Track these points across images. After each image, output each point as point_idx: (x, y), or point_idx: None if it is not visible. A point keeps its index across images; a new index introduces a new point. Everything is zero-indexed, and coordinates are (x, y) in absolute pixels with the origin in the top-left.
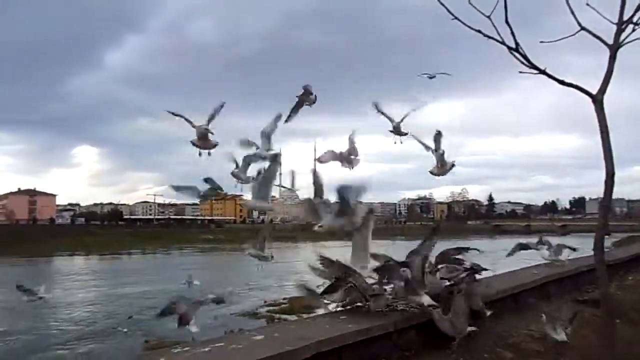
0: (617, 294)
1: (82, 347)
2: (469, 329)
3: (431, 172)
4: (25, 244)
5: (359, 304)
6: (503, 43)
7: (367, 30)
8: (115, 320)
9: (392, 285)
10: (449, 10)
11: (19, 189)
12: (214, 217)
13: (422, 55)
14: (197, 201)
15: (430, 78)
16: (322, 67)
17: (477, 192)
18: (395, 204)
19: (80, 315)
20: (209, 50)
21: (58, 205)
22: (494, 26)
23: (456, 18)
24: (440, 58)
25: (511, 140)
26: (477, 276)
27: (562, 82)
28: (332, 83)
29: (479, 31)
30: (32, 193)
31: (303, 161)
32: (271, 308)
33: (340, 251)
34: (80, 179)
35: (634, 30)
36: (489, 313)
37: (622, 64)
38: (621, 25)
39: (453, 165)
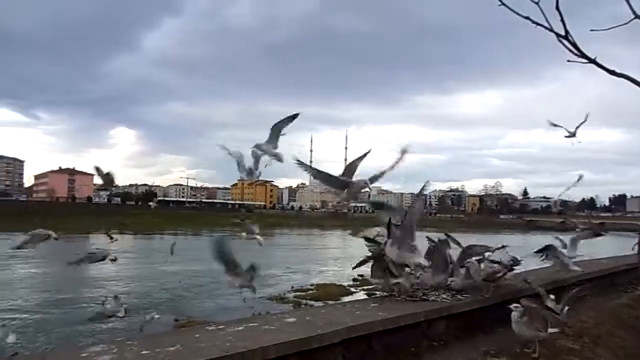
0: None
1: (112, 324)
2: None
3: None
4: (64, 221)
5: (392, 292)
6: (552, 30)
7: (402, 17)
8: (143, 300)
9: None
10: None
11: (59, 167)
12: (244, 202)
13: (457, 45)
14: (228, 185)
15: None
16: (355, 55)
17: (511, 186)
18: (425, 195)
19: (110, 292)
20: (244, 35)
21: (95, 185)
22: (543, 13)
23: (503, 4)
24: (476, 47)
25: (549, 133)
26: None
27: (612, 72)
28: (365, 71)
29: (528, 18)
30: (71, 172)
31: (335, 149)
32: (298, 294)
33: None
34: (116, 159)
35: None
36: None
37: None
38: None
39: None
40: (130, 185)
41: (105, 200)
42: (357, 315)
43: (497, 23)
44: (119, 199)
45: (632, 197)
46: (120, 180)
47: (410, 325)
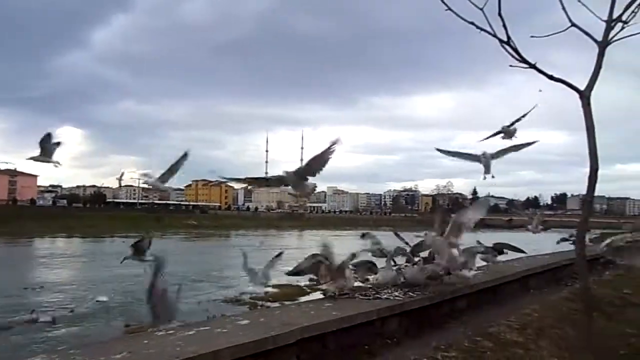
0: (594, 288)
1: (61, 330)
2: None
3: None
4: (4, 225)
5: (345, 292)
6: (495, 36)
7: (358, 19)
8: (95, 304)
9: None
10: (443, 1)
11: None
12: (198, 203)
13: (413, 48)
14: (182, 186)
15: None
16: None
17: (462, 186)
18: (380, 195)
19: (58, 297)
20: (198, 32)
21: (39, 187)
22: (487, 19)
23: (450, 9)
24: (429, 51)
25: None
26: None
27: (550, 77)
28: (322, 71)
29: (472, 23)
30: (12, 173)
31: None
32: (255, 295)
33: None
34: (63, 160)
35: (622, 28)
36: None
37: (610, 62)
38: (610, 22)
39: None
40: (78, 187)
41: (50, 202)
42: (312, 315)
43: (448, 28)
44: (65, 201)
45: (572, 195)
46: (67, 181)
47: (364, 323)
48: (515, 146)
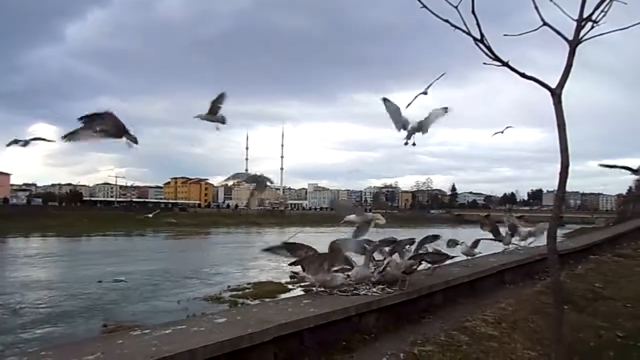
0: (566, 282)
1: (37, 331)
2: None
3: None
4: None
5: (322, 288)
6: (469, 34)
7: (339, 16)
8: (73, 304)
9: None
10: None
11: None
12: (177, 201)
13: (393, 45)
14: (160, 184)
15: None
16: (292, 52)
17: (441, 182)
18: (361, 191)
19: (36, 297)
20: (177, 28)
21: (12, 185)
22: (461, 16)
23: (425, 7)
24: (410, 48)
25: (475, 132)
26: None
27: (522, 75)
28: (302, 68)
29: (447, 21)
30: None
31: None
32: (235, 293)
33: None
34: (36, 158)
35: (592, 27)
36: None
37: (584, 61)
38: (581, 22)
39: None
40: (53, 185)
41: (25, 201)
42: (289, 312)
43: (428, 25)
44: (40, 199)
45: (547, 191)
46: (41, 179)
47: (341, 319)
48: (433, 114)
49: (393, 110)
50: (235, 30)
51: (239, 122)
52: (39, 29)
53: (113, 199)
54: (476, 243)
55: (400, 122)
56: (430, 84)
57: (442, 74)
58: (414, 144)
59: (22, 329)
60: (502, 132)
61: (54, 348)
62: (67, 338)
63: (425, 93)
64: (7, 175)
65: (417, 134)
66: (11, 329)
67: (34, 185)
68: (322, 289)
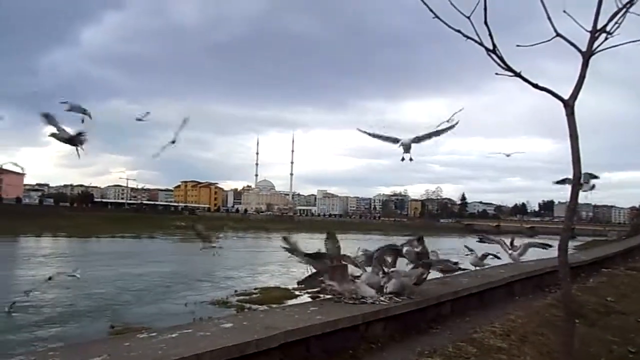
0: (578, 295)
1: (45, 331)
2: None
3: None
4: None
5: (329, 295)
6: (481, 44)
7: (352, 23)
8: (87, 304)
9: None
10: (430, 9)
11: None
12: (187, 204)
13: (407, 53)
14: (171, 187)
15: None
16: (306, 57)
17: (451, 191)
18: (370, 199)
19: (46, 298)
20: (191, 33)
21: (26, 185)
22: (474, 27)
23: (437, 17)
24: (423, 56)
25: (486, 141)
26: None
27: (535, 86)
28: (315, 74)
29: (459, 31)
30: None
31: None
32: (242, 297)
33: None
34: (50, 158)
35: (606, 39)
36: None
37: (597, 72)
38: (594, 33)
39: None
40: (65, 186)
41: (37, 201)
42: (296, 319)
43: (442, 34)
44: (51, 200)
45: (559, 203)
46: (54, 180)
47: (348, 327)
48: (437, 131)
49: (375, 135)
50: (249, 35)
51: (250, 126)
52: (54, 33)
53: (124, 201)
54: (485, 255)
55: (391, 140)
56: (450, 119)
57: (460, 109)
58: (410, 159)
59: (38, 327)
60: (508, 155)
61: (61, 348)
62: (77, 338)
63: (451, 128)
64: (21, 175)
65: (419, 143)
66: (27, 326)
67: (47, 185)
68: (352, 297)
